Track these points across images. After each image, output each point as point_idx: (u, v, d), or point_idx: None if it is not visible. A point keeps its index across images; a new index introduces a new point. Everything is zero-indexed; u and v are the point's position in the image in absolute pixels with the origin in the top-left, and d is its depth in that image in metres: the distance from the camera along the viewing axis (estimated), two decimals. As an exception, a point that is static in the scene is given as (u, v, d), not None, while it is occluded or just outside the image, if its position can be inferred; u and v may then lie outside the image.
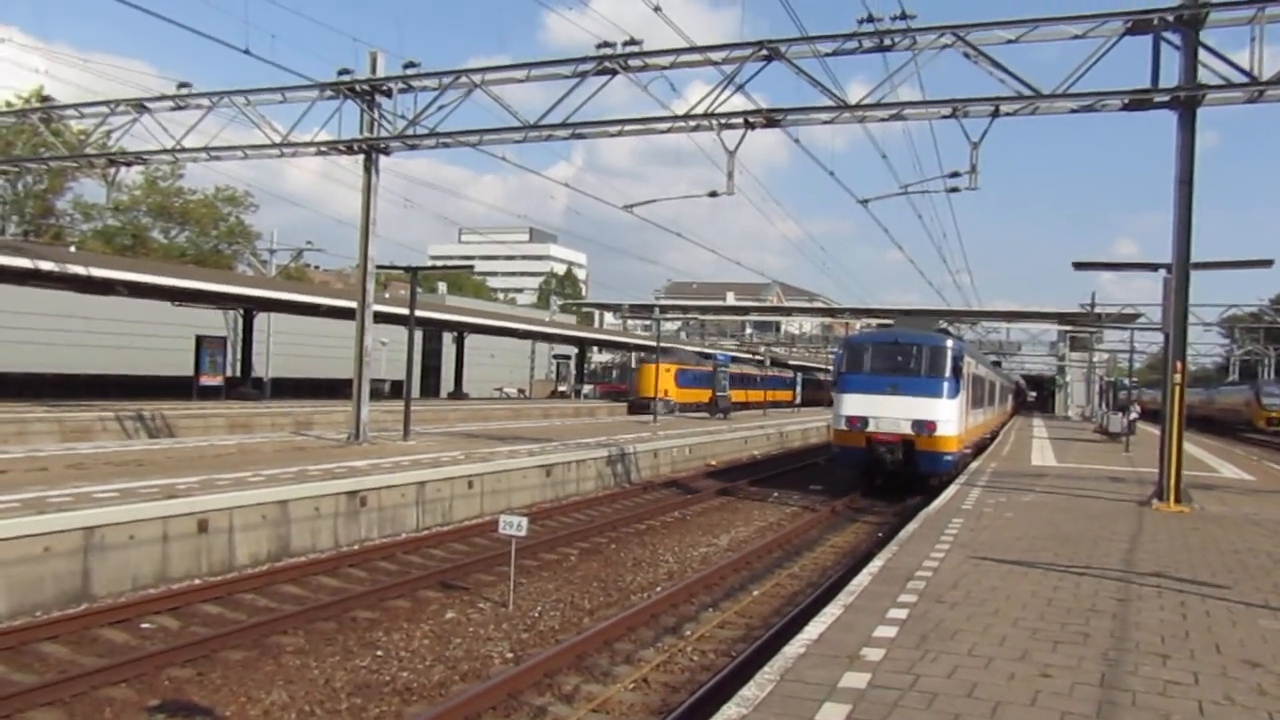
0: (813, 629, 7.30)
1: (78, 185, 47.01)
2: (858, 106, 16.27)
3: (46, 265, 23.64)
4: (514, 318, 59.50)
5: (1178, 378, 14.92)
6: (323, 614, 10.22)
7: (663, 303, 73.93)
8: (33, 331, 37.08)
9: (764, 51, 16.24)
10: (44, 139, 23.80)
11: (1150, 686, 6.10)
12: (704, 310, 76.22)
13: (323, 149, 20.17)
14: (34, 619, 9.55)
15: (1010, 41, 15.30)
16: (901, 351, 21.76)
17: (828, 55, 16.04)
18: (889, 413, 21.11)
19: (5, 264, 22.67)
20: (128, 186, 47.08)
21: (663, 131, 18.11)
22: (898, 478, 21.94)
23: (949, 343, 22.25)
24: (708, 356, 56.06)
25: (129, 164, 22.65)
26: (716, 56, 16.68)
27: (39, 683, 7.81)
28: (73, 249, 37.39)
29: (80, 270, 24.77)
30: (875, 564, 10.07)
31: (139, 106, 20.46)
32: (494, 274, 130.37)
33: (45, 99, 24.01)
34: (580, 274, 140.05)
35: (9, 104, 34.87)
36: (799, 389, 72.47)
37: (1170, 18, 14.40)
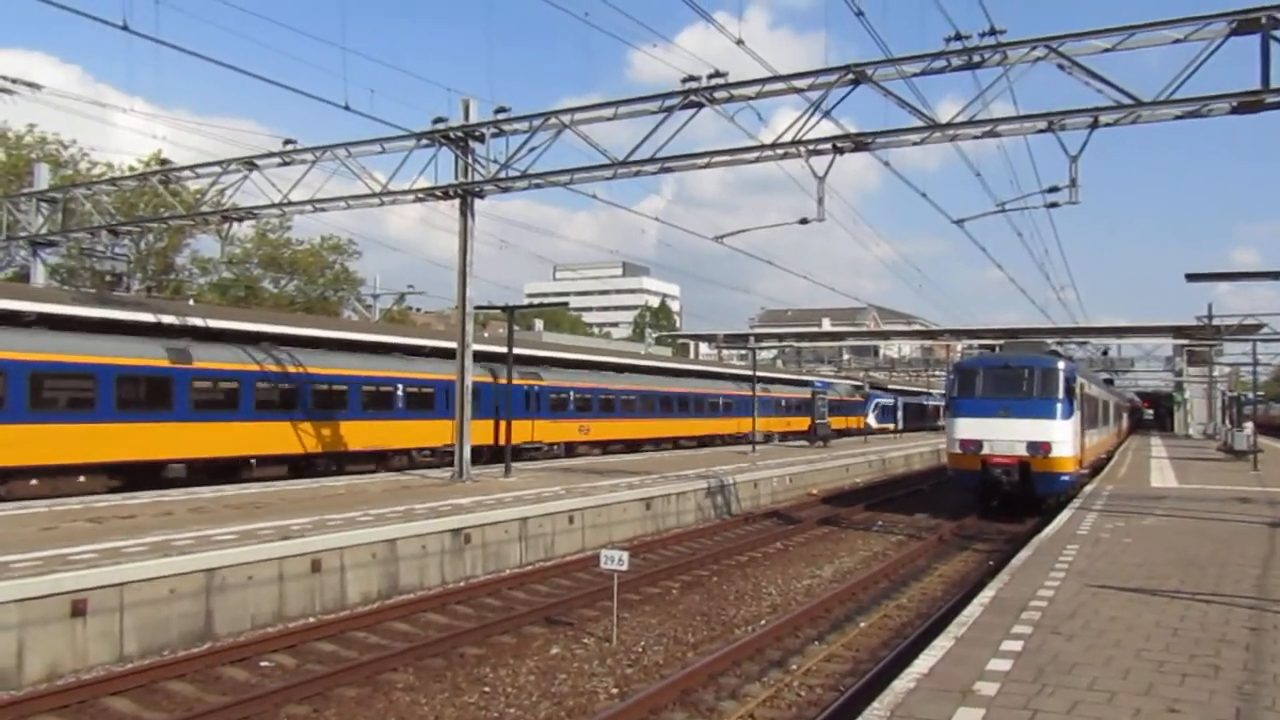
0: (923, 662, 7.11)
1: (194, 241, 49.45)
2: (949, 125, 16.00)
3: (168, 319, 24.92)
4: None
5: (1307, 391, 14.12)
6: (431, 651, 10.42)
7: (758, 331, 73.17)
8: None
9: (850, 76, 16.11)
10: (163, 199, 25.23)
11: (1291, 722, 5.74)
12: (800, 337, 75.15)
13: (420, 195, 20.82)
14: (161, 658, 10.00)
15: (1106, 50, 14.84)
16: (1013, 374, 21.87)
17: (915, 75, 15.82)
18: (1004, 435, 21.25)
19: (135, 319, 23.97)
20: (240, 240, 49.30)
21: (751, 161, 18.12)
22: (1014, 499, 21.56)
23: (1061, 364, 22.21)
24: (806, 383, 55.11)
25: (240, 219, 23.85)
26: (802, 84, 16.64)
27: (167, 720, 8.16)
28: (191, 301, 39.24)
29: (198, 322, 26.02)
30: (987, 594, 9.77)
31: (249, 164, 21.52)
32: (589, 309, 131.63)
33: (164, 162, 25.38)
34: (674, 305, 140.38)
35: (131, 169, 37.08)
36: (900, 414, 70.51)
37: (1279, 15, 13.77)
